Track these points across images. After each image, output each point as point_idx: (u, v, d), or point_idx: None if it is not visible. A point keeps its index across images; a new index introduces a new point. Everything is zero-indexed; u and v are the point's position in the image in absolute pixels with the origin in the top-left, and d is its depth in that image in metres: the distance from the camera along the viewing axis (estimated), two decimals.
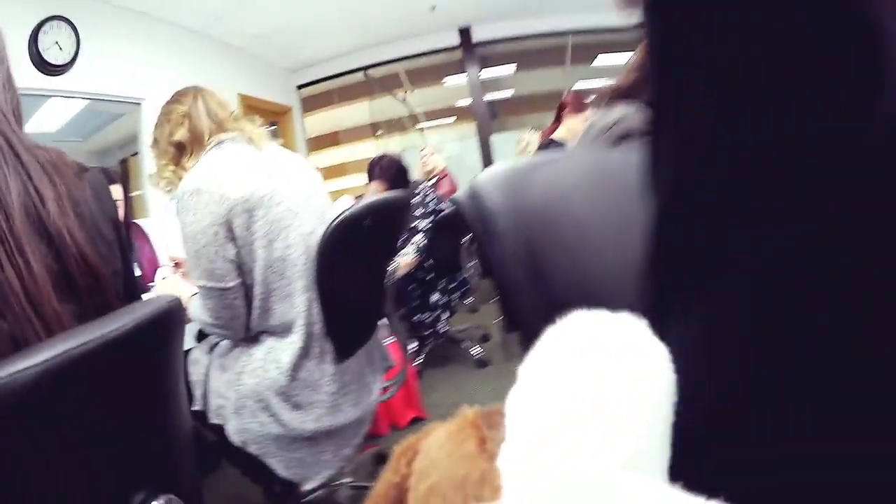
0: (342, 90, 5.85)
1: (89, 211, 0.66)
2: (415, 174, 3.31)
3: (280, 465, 1.28)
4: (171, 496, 0.56)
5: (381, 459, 1.94)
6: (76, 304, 0.60)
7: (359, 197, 3.25)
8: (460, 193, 3.21)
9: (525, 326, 0.45)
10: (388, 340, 1.74)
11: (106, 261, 0.66)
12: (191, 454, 0.69)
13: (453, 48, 5.36)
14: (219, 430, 1.29)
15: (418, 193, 2.90)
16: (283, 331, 1.32)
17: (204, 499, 0.75)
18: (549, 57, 5.60)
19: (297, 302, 1.30)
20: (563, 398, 0.24)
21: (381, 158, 2.99)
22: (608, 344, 0.25)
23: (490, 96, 5.78)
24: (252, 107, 4.49)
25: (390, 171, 2.88)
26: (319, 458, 1.33)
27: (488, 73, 5.72)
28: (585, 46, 5.42)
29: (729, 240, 0.25)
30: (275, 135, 5.18)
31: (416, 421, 2.30)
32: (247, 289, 1.28)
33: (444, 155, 4.14)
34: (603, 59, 5.68)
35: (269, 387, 1.27)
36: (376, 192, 2.86)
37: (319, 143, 6.04)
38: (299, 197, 1.33)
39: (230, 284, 1.25)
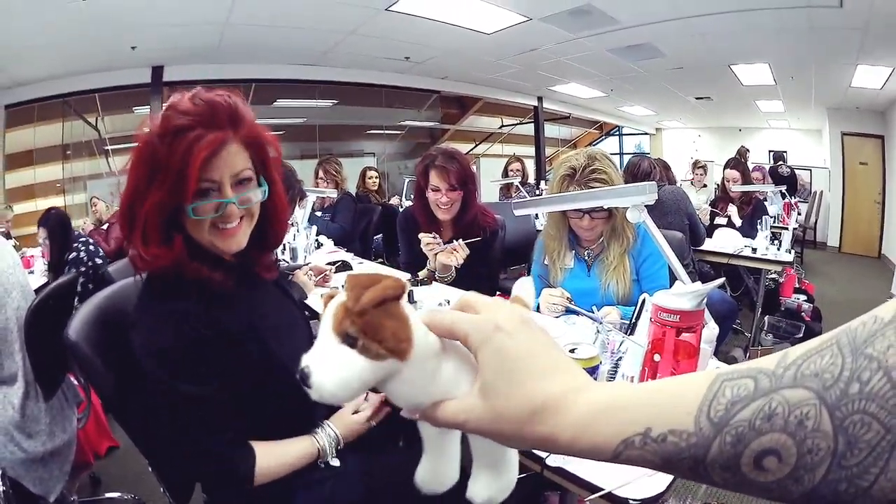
0: (41, 109, 6.03)
1: None
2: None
3: (30, 483, 1.63)
4: None
5: (96, 481, 2.40)
6: None
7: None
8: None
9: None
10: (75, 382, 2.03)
11: None
12: None
13: (145, 85, 5.93)
14: None
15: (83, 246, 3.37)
16: (10, 380, 1.65)
17: None
18: None
19: (17, 358, 1.65)
20: None
21: (48, 212, 3.54)
22: None
23: None
24: None
25: (55, 225, 3.38)
26: (52, 475, 1.71)
27: None
28: (267, 90, 6.75)
29: None
30: None
31: (113, 449, 2.56)
32: None
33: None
34: (280, 102, 7.21)
35: (9, 423, 1.61)
36: (42, 238, 3.41)
37: (15, 161, 6.07)
38: (10, 277, 1.67)
39: None
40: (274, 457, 1.09)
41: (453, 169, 2.22)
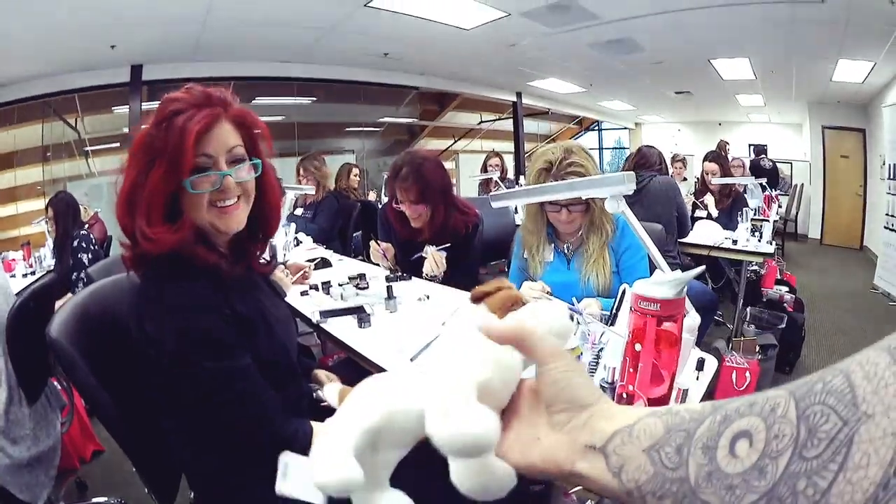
0: (21, 110, 5.92)
1: None
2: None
3: (16, 490, 1.60)
4: None
5: (82, 486, 2.38)
6: None
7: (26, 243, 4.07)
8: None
9: None
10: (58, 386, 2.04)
11: None
12: None
13: (125, 84, 5.86)
14: None
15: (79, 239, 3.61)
16: None
17: None
18: None
19: None
20: None
21: (58, 194, 3.85)
22: None
23: None
24: None
25: (62, 206, 3.69)
26: (38, 480, 1.68)
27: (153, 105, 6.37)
28: (246, 87, 6.63)
29: None
30: None
31: (98, 453, 2.58)
32: None
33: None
34: (259, 100, 7.16)
35: None
36: (49, 220, 3.71)
37: None
38: None
39: None
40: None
41: (411, 186, 2.25)
